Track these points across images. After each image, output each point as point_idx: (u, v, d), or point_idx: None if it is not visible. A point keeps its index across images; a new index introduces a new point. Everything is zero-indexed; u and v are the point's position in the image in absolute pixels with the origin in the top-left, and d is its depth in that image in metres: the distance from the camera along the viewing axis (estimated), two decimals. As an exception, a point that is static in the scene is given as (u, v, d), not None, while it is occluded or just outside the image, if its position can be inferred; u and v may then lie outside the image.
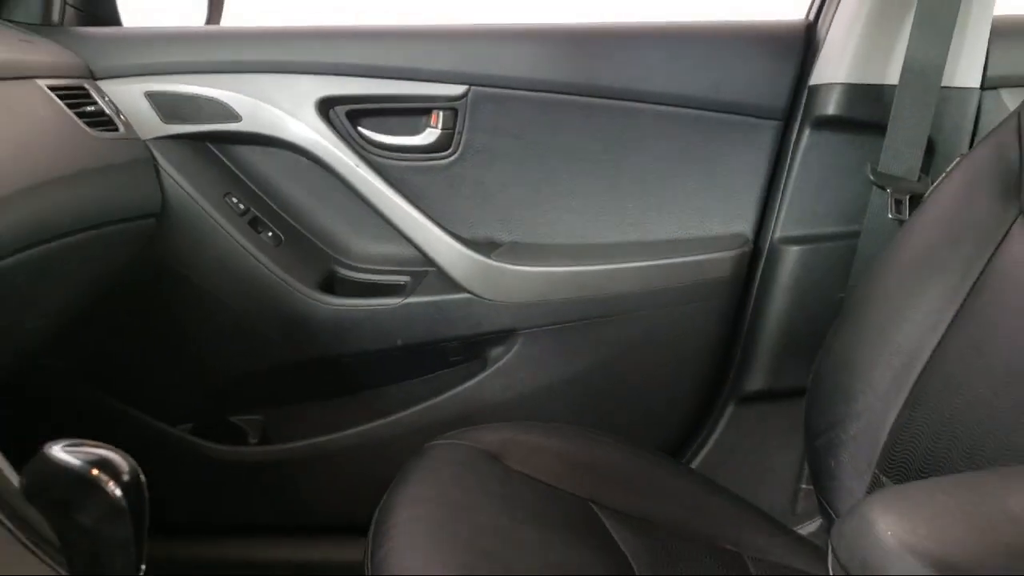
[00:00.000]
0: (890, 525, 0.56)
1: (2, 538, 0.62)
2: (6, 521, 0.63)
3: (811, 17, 1.34)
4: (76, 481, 0.51)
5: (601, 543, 0.98)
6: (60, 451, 0.52)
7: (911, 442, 0.97)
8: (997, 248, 0.98)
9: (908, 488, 0.65)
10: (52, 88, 1.07)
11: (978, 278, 0.99)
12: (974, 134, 1.27)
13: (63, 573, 0.61)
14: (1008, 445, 0.88)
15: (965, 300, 0.98)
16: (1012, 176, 0.99)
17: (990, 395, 0.92)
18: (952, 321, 0.98)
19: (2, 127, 0.93)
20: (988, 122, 1.25)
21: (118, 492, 0.52)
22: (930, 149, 1.26)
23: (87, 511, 0.52)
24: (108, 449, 0.54)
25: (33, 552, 0.62)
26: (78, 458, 0.52)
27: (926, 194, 1.14)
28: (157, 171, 1.20)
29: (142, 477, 0.54)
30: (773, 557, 1.08)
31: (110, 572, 0.53)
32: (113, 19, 1.34)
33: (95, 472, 0.52)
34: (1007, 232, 0.98)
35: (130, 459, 0.54)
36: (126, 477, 0.53)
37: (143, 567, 0.55)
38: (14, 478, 0.66)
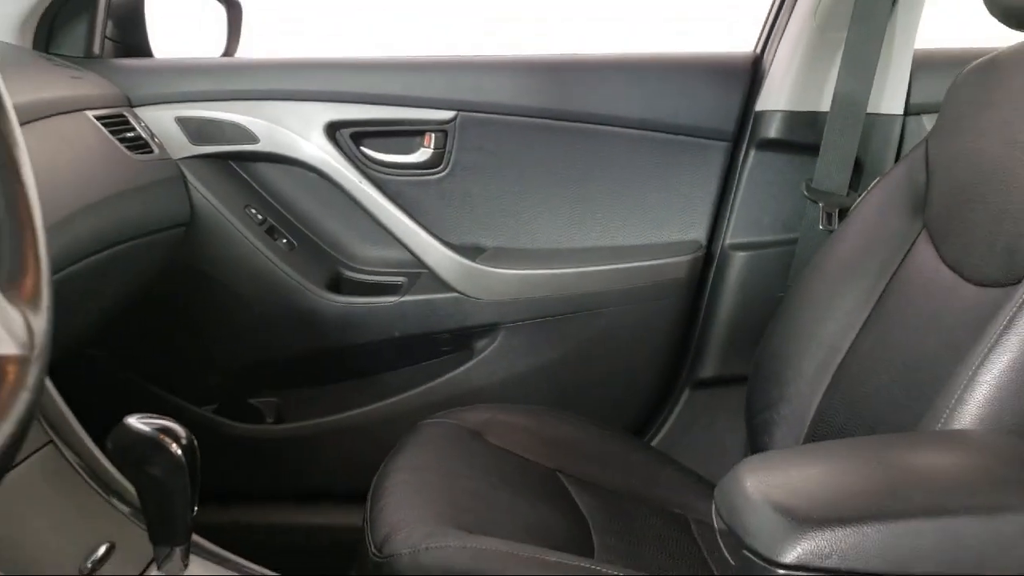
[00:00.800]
0: (753, 480, 0.73)
1: (86, 490, 0.80)
2: (87, 477, 0.82)
3: (758, 50, 1.50)
4: (148, 444, 0.70)
5: (564, 505, 1.15)
6: (136, 422, 0.71)
7: (830, 422, 1.14)
8: (905, 257, 1.14)
9: (776, 453, 0.82)
10: (98, 118, 1.24)
11: (889, 282, 1.14)
12: (899, 155, 1.43)
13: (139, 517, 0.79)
14: (899, 425, 1.05)
15: (878, 301, 1.15)
16: (919, 195, 1.15)
17: (890, 383, 1.07)
18: (867, 319, 1.15)
19: (61, 156, 1.11)
20: (911, 144, 1.41)
21: (179, 452, 0.70)
22: (859, 168, 1.42)
23: (156, 466, 0.70)
24: (170, 420, 0.72)
25: (109, 502, 0.81)
26: (149, 427, 0.70)
27: (851, 208, 1.31)
28: (186, 186, 1.37)
29: (195, 442, 0.72)
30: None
31: (173, 511, 0.72)
32: (145, 51, 1.50)
33: (162, 437, 0.70)
34: (913, 243, 1.13)
35: (186, 428, 0.72)
36: (184, 441, 0.71)
37: (195, 508, 0.73)
38: (90, 444, 0.85)
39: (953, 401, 0.84)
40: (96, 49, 1.43)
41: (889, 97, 1.43)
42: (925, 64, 1.44)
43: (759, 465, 0.75)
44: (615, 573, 0.94)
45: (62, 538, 0.73)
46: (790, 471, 0.75)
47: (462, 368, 1.49)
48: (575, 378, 1.49)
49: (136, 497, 0.84)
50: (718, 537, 0.73)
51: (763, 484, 0.71)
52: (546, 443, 1.27)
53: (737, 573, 0.69)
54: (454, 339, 1.50)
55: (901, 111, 1.43)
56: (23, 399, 0.38)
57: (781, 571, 0.64)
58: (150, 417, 0.72)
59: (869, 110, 1.40)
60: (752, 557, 0.66)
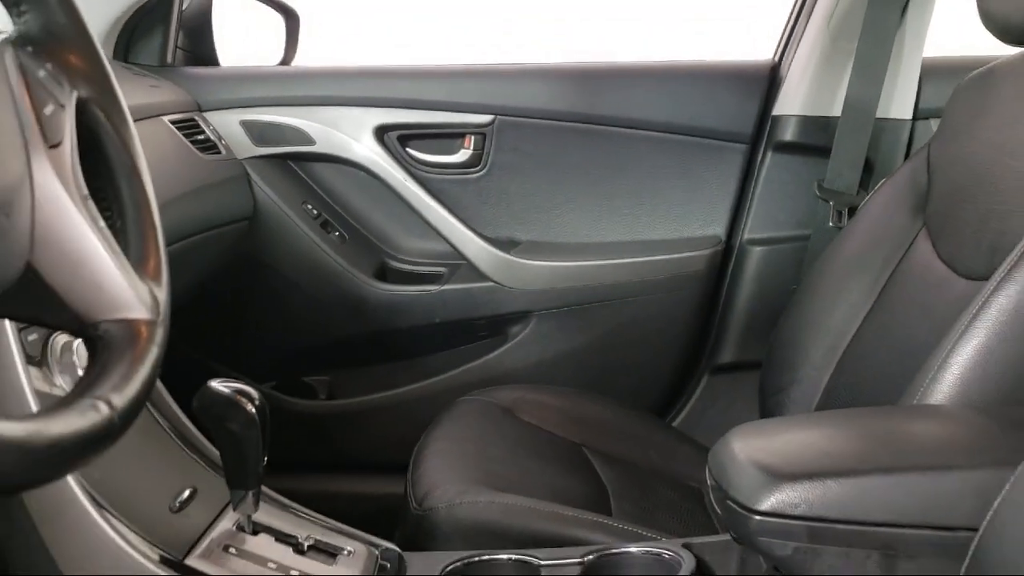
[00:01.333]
0: (740, 443, 0.84)
1: (172, 444, 0.94)
2: (172, 435, 0.96)
3: (776, 58, 1.60)
4: (228, 403, 0.83)
5: (587, 476, 1.27)
6: (217, 385, 0.84)
7: (834, 402, 1.24)
8: (906, 252, 1.24)
9: (764, 422, 0.93)
10: (172, 122, 1.39)
11: (891, 275, 1.24)
12: (907, 157, 1.52)
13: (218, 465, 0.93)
14: (892, 403, 1.16)
15: (880, 293, 1.25)
16: (921, 195, 1.25)
17: (887, 367, 1.18)
18: (870, 309, 1.25)
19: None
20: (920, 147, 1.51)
21: (253, 410, 0.84)
22: (869, 169, 1.52)
23: (234, 422, 0.83)
24: (245, 383, 0.86)
25: (191, 455, 0.95)
26: (229, 389, 0.84)
27: (859, 207, 1.41)
28: (250, 184, 1.52)
29: (266, 402, 0.86)
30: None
31: (247, 461, 0.85)
32: (212, 59, 1.65)
33: (239, 397, 0.84)
34: (913, 240, 1.23)
35: (258, 391, 0.86)
36: (257, 402, 0.84)
37: (265, 459, 0.87)
38: (174, 406, 0.99)
39: (928, 380, 0.94)
40: (169, 58, 1.58)
41: (898, 102, 1.52)
42: (933, 71, 1.53)
43: (748, 432, 0.87)
44: (629, 529, 1.06)
45: (154, 482, 0.87)
46: (773, 437, 0.87)
47: (496, 352, 1.61)
48: (601, 362, 1.61)
49: (213, 451, 0.98)
50: (709, 492, 0.85)
51: (747, 446, 0.83)
52: (573, 420, 1.39)
53: (723, 522, 0.81)
54: (490, 325, 1.62)
55: (910, 116, 1.52)
56: (153, 353, 0.51)
57: (757, 517, 0.76)
58: (228, 381, 0.85)
59: (879, 115, 1.50)
60: (734, 507, 0.78)
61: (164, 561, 0.79)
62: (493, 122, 1.57)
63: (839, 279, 1.31)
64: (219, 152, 1.46)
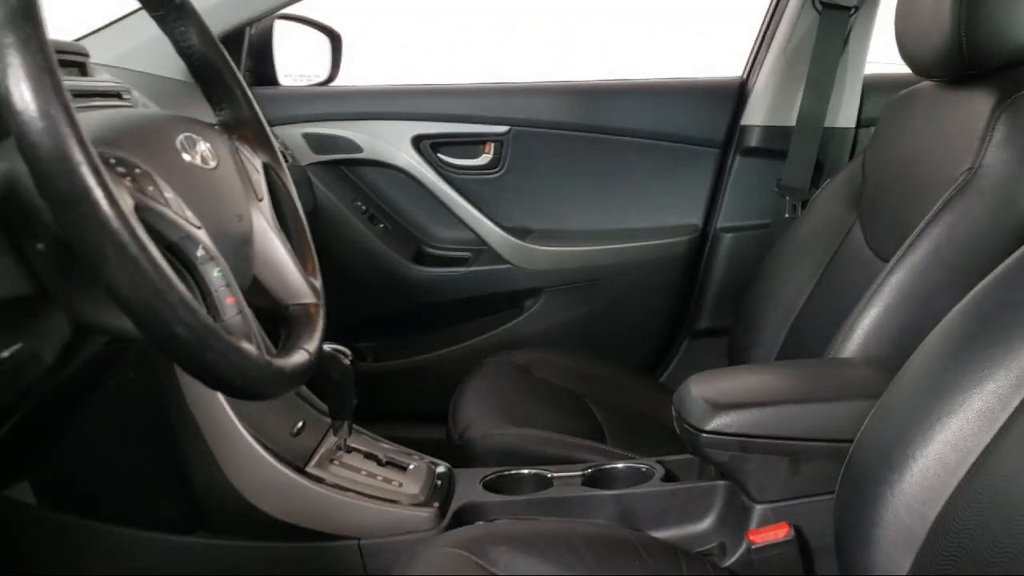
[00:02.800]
0: (695, 385, 1.16)
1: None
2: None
3: (744, 76, 1.92)
4: (329, 357, 1.16)
5: (588, 418, 1.58)
6: (324, 346, 1.18)
7: (786, 358, 1.54)
8: (843, 240, 1.54)
9: (716, 371, 1.24)
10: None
11: (831, 258, 1.54)
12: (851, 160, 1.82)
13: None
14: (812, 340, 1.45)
15: (823, 272, 1.54)
16: (856, 193, 1.55)
17: (827, 330, 1.45)
18: (815, 285, 1.54)
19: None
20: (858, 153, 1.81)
21: (347, 362, 1.17)
22: (820, 169, 1.83)
23: (334, 371, 1.17)
24: (341, 345, 1.19)
25: (301, 397, 1.28)
26: (330, 347, 1.17)
27: (809, 201, 1.72)
28: (311, 186, 1.83)
29: (354, 358, 1.19)
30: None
31: (343, 399, 1.19)
32: (273, 78, 1.95)
33: (337, 353, 1.17)
34: (849, 229, 1.53)
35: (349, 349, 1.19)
36: (349, 356, 1.18)
37: (355, 399, 1.20)
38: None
39: (840, 340, 1.26)
40: (240, 80, 1.89)
41: (844, 113, 1.83)
42: (875, 86, 1.84)
43: (700, 377, 1.20)
44: (619, 452, 1.39)
45: (280, 417, 1.20)
46: (718, 380, 1.19)
47: (514, 321, 1.93)
48: (600, 329, 1.92)
49: (314, 398, 1.31)
50: (674, 419, 1.18)
51: (699, 387, 1.15)
52: (576, 376, 1.70)
53: (681, 439, 1.14)
54: (507, 299, 1.93)
55: (854, 124, 1.83)
56: (321, 322, 0.84)
57: (703, 435, 1.09)
58: (331, 344, 1.18)
59: (827, 124, 1.80)
60: (688, 428, 1.11)
61: (292, 468, 1.13)
62: (509, 132, 1.87)
63: (792, 260, 1.62)
64: (287, 160, 1.78)
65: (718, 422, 1.09)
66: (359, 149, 1.87)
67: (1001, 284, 0.87)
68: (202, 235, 0.68)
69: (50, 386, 0.79)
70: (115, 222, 0.57)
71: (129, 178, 0.64)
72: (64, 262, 0.65)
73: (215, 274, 0.68)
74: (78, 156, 0.56)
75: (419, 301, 1.92)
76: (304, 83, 1.98)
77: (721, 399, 1.12)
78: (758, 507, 1.11)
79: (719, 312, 1.91)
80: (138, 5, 0.84)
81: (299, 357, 0.77)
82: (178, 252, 0.65)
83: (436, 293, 1.92)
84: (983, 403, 0.79)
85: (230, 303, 0.68)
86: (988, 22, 1.23)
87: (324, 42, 2.02)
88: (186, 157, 0.75)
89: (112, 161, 0.64)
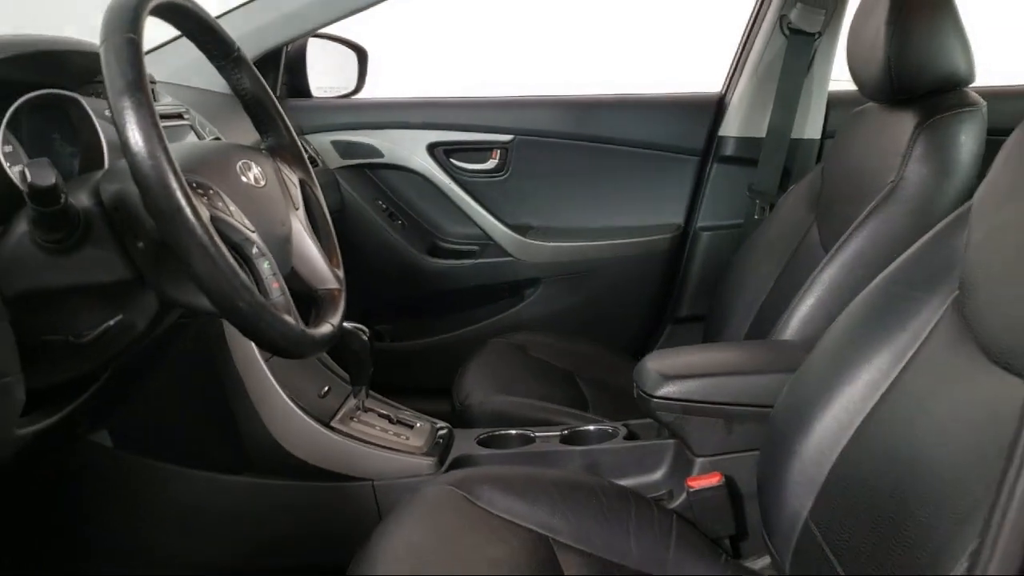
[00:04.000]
0: (651, 360, 1.40)
1: (314, 362, 1.54)
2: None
3: (722, 92, 2.14)
4: (352, 334, 1.42)
5: (574, 390, 1.80)
6: (346, 324, 1.43)
7: (753, 337, 1.77)
8: (802, 239, 1.75)
9: (672, 349, 1.48)
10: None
11: (791, 255, 1.75)
12: (817, 167, 2.04)
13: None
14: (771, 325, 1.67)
15: (784, 266, 1.76)
16: (815, 198, 1.76)
17: (783, 318, 1.71)
18: (776, 278, 1.76)
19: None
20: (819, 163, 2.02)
21: (365, 338, 1.42)
22: (788, 175, 2.06)
23: (355, 344, 1.42)
24: (360, 324, 1.44)
25: (326, 366, 1.54)
26: (351, 326, 1.42)
27: (776, 204, 1.94)
28: (339, 187, 2.08)
29: (370, 334, 1.44)
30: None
31: (362, 369, 1.44)
32: (307, 91, 2.19)
33: (357, 329, 1.42)
34: (807, 230, 1.74)
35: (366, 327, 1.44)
36: (367, 333, 1.43)
37: (372, 368, 1.46)
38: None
39: (780, 325, 1.50)
40: (277, 92, 2.13)
41: (810, 126, 2.05)
42: (838, 101, 2.06)
43: (658, 354, 1.44)
44: (595, 418, 1.63)
45: (309, 382, 1.46)
46: (671, 357, 1.44)
47: (515, 308, 2.17)
48: (592, 315, 2.16)
49: (336, 367, 1.57)
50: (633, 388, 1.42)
51: (654, 361, 1.39)
52: (568, 355, 1.94)
53: (638, 404, 1.39)
54: (510, 288, 2.18)
55: (819, 136, 2.06)
56: (343, 304, 1.10)
57: (653, 400, 1.34)
58: (351, 323, 1.44)
59: (794, 136, 2.03)
60: (642, 394, 1.36)
61: (320, 422, 1.39)
62: (513, 140, 2.11)
63: (759, 256, 1.84)
64: (318, 165, 2.04)
65: (665, 390, 1.33)
66: (381, 154, 2.11)
67: (890, 279, 1.10)
68: (255, 237, 0.93)
69: (136, 350, 1.05)
70: (198, 229, 0.82)
71: (205, 197, 0.90)
72: (157, 256, 0.91)
73: (265, 266, 0.93)
74: (173, 184, 0.81)
75: (432, 289, 2.17)
76: (333, 95, 2.22)
77: (669, 371, 1.36)
78: (698, 460, 1.35)
79: (697, 301, 2.14)
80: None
81: (325, 328, 1.02)
82: (239, 250, 0.91)
83: (447, 282, 2.16)
84: (869, 376, 1.02)
85: (275, 287, 0.94)
86: (912, 56, 1.45)
87: (351, 57, 2.25)
88: (243, 179, 1.00)
89: (194, 184, 0.89)
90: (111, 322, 0.95)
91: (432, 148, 2.12)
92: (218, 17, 1.74)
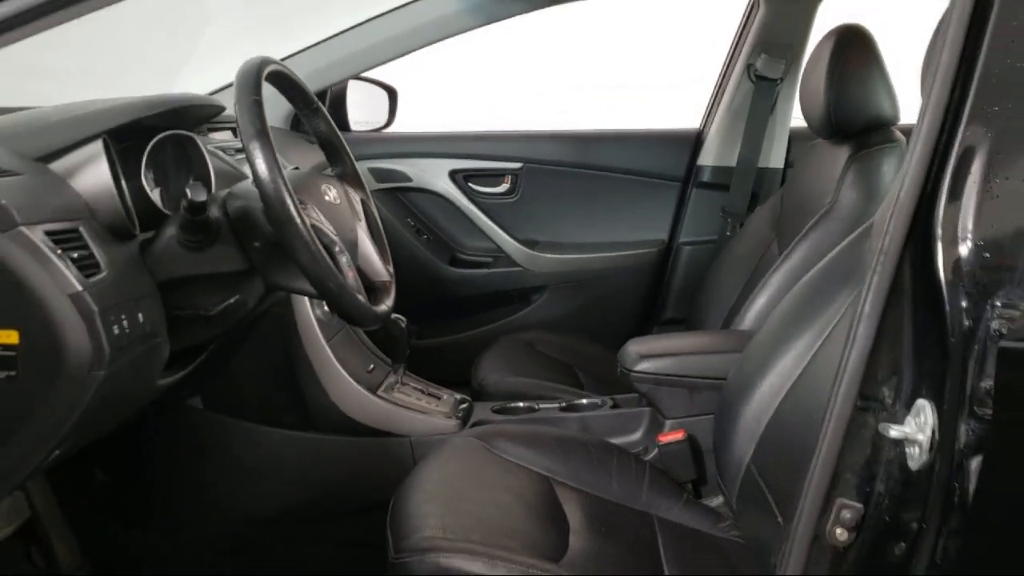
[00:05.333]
0: (631, 344, 1.76)
1: (360, 344, 1.91)
2: (360, 340, 1.93)
3: (700, 127, 2.51)
4: (393, 322, 1.78)
5: (573, 378, 2.15)
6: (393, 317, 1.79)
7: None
8: (765, 252, 2.10)
9: (651, 336, 1.85)
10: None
11: (755, 267, 2.11)
12: (779, 191, 2.40)
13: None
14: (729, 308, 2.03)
15: (749, 277, 2.11)
16: (776, 218, 2.11)
17: (768, 309, 2.07)
18: (743, 287, 2.11)
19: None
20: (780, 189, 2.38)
21: (404, 325, 1.79)
22: (755, 199, 2.41)
23: (395, 330, 1.78)
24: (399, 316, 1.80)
25: (369, 349, 1.91)
26: (393, 316, 1.78)
27: (744, 224, 2.30)
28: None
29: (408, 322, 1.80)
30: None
31: (400, 350, 1.80)
32: (347, 126, 2.55)
33: (398, 319, 1.78)
34: (769, 245, 2.10)
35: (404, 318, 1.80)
36: (405, 322, 1.80)
37: (408, 351, 1.82)
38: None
39: (739, 317, 1.85)
40: (321, 127, 2.51)
41: (774, 157, 2.41)
42: (797, 136, 2.42)
43: (638, 340, 1.80)
44: (590, 395, 1.98)
45: (359, 359, 1.82)
46: (648, 341, 1.80)
47: (523, 311, 2.53)
48: (589, 317, 2.50)
49: (379, 351, 1.93)
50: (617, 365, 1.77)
51: (634, 345, 1.76)
52: (569, 351, 2.28)
53: (620, 378, 1.74)
54: (519, 294, 2.53)
55: (782, 165, 2.42)
56: (392, 292, 1.45)
57: (632, 374, 1.69)
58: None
59: (760, 165, 2.39)
60: (623, 370, 1.72)
61: (368, 390, 1.75)
62: (522, 167, 2.48)
63: (729, 267, 2.18)
64: (360, 188, 2.40)
65: (642, 366, 1.69)
66: (409, 179, 2.48)
67: (815, 278, 1.45)
68: (337, 239, 1.30)
69: (240, 326, 1.42)
70: (304, 233, 1.18)
71: (305, 210, 1.27)
72: (269, 253, 1.27)
73: (343, 260, 1.29)
74: (288, 201, 1.18)
75: (452, 294, 2.53)
76: (368, 128, 2.60)
77: (645, 352, 1.72)
78: (667, 422, 1.71)
79: (679, 305, 2.49)
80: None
81: (382, 307, 1.39)
82: (328, 248, 1.27)
83: (465, 288, 2.52)
84: (796, 351, 1.35)
85: (351, 275, 1.30)
86: (847, 100, 1.79)
87: (384, 96, 2.62)
88: (326, 197, 1.37)
89: (300, 201, 1.25)
90: (231, 300, 1.31)
91: (453, 174, 2.48)
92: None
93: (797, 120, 2.39)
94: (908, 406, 0.92)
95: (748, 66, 2.36)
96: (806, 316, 1.37)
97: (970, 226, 0.88)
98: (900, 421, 0.92)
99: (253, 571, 1.74)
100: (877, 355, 0.94)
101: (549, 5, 2.29)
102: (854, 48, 1.77)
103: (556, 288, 2.51)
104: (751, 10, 2.36)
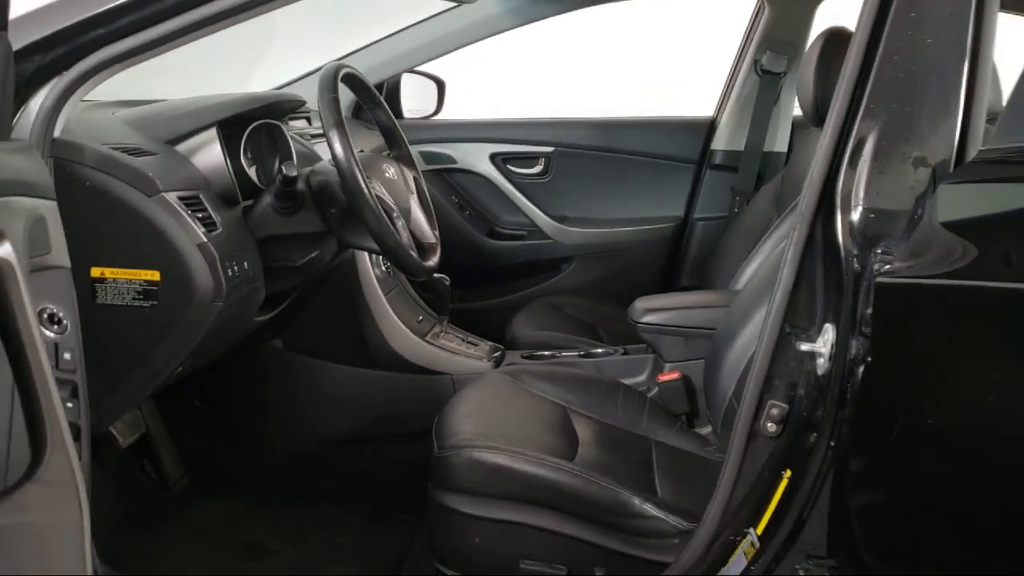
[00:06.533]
0: (640, 301, 2.08)
1: (412, 300, 2.26)
2: (410, 298, 2.28)
3: (714, 115, 2.81)
4: (437, 279, 2.12)
5: (594, 335, 2.46)
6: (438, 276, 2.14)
7: None
8: (767, 226, 2.41)
9: (658, 294, 2.17)
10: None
11: (758, 239, 2.43)
12: (782, 173, 2.70)
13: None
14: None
15: (754, 246, 2.45)
16: (777, 196, 2.42)
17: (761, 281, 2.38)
18: (747, 257, 2.43)
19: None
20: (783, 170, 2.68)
21: (447, 283, 2.13)
22: (760, 179, 2.71)
23: (439, 287, 2.13)
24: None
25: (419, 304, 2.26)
26: (438, 276, 2.12)
27: (751, 201, 2.60)
28: (424, 186, 2.81)
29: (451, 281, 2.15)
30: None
31: (445, 304, 2.15)
32: (400, 114, 2.87)
33: (441, 278, 2.13)
34: (771, 219, 2.40)
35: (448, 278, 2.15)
36: (448, 280, 2.14)
37: (451, 305, 2.16)
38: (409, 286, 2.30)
39: (735, 279, 2.16)
40: (378, 115, 2.85)
41: (778, 142, 2.70)
42: (799, 124, 2.70)
43: (646, 297, 2.13)
44: (604, 347, 2.31)
45: (410, 311, 2.18)
46: (654, 299, 2.12)
47: (553, 279, 2.84)
48: (611, 285, 2.80)
49: (426, 305, 2.28)
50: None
51: (641, 301, 2.08)
52: (593, 313, 2.59)
53: (630, 329, 2.07)
54: (550, 264, 2.85)
55: (785, 150, 2.71)
56: (439, 251, 1.79)
57: (638, 325, 2.02)
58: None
59: (766, 149, 2.68)
60: (631, 321, 2.05)
61: (419, 335, 2.10)
62: (554, 151, 2.80)
63: (736, 241, 2.47)
64: (411, 169, 2.75)
65: (647, 318, 2.02)
66: (454, 161, 2.81)
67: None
68: (395, 207, 1.64)
69: (318, 278, 1.77)
70: (371, 201, 1.53)
71: (371, 183, 1.61)
72: (342, 216, 1.62)
73: (400, 223, 1.64)
74: (359, 176, 1.52)
75: (490, 264, 2.86)
76: (419, 116, 2.93)
77: (650, 306, 2.04)
78: (667, 365, 2.03)
79: (694, 274, 2.79)
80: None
81: (430, 263, 1.73)
82: (388, 214, 1.61)
83: (501, 258, 2.86)
84: (764, 308, 1.67)
85: (405, 236, 1.64)
86: (831, 91, 2.08)
87: (433, 87, 2.94)
88: (386, 174, 1.71)
89: (367, 177, 1.60)
90: (312, 254, 1.67)
91: (493, 157, 2.81)
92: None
93: (799, 110, 2.71)
94: (819, 329, 1.23)
95: (755, 61, 2.64)
96: (769, 288, 1.66)
97: (862, 195, 1.19)
98: (813, 340, 1.23)
99: (325, 484, 2.11)
100: (797, 292, 1.26)
101: (584, 6, 2.60)
102: (839, 48, 2.05)
103: (583, 258, 2.82)
104: (758, 11, 2.65)
